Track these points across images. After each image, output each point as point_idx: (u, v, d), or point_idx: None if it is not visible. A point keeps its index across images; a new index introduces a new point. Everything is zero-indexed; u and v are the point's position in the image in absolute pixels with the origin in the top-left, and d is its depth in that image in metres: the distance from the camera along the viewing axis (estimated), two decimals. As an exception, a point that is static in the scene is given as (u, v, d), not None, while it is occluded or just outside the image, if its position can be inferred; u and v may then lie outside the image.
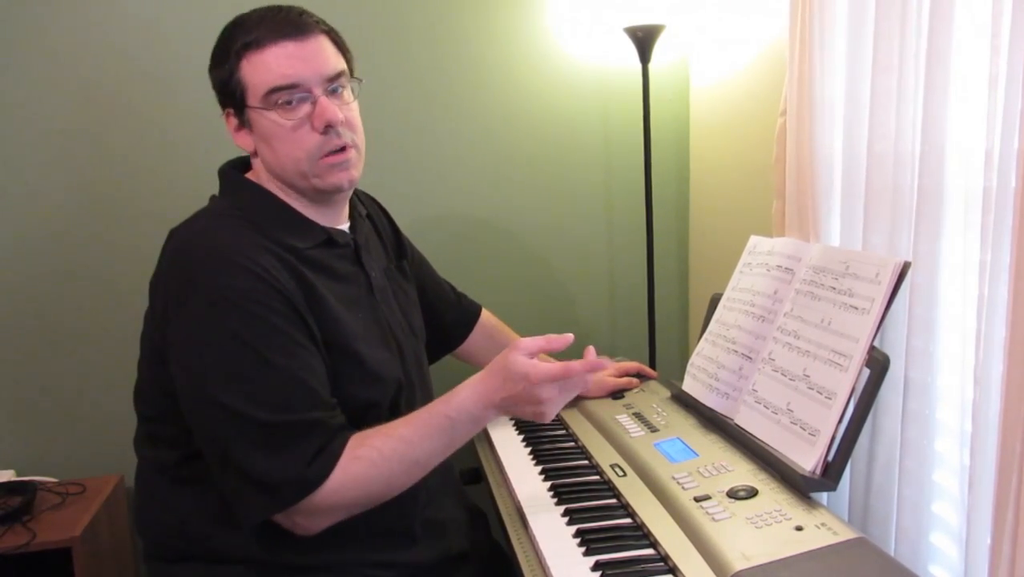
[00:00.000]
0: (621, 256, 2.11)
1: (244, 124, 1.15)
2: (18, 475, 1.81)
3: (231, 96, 1.14)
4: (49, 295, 1.83)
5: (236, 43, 1.11)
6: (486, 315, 1.63)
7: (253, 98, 1.11)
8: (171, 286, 1.09)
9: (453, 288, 1.60)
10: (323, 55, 1.12)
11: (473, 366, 1.63)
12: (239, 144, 1.19)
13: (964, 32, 1.04)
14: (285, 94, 1.09)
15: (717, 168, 1.94)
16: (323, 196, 1.18)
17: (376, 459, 1.06)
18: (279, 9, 1.12)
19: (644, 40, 1.82)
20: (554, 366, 1.07)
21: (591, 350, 1.14)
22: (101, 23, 1.77)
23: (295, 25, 1.10)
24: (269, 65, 1.09)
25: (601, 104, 2.02)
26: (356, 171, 1.17)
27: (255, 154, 1.18)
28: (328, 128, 1.11)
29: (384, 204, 1.49)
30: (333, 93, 1.13)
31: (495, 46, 1.95)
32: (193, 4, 1.80)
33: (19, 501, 1.66)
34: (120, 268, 1.84)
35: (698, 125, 2.03)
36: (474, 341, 1.60)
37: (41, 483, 1.76)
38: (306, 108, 1.11)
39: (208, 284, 1.05)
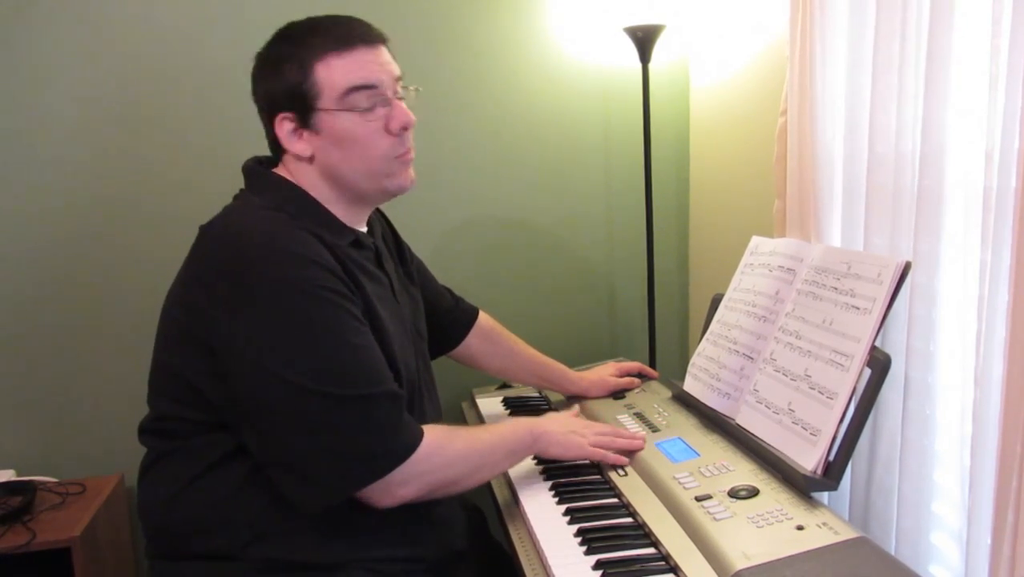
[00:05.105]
0: (621, 256, 2.11)
1: (308, 128, 1.15)
2: (18, 475, 1.81)
3: (298, 99, 1.14)
4: (49, 295, 1.82)
5: (310, 47, 1.14)
6: (483, 317, 1.63)
7: (328, 100, 1.13)
8: (220, 284, 1.07)
9: (451, 292, 1.60)
10: (390, 60, 1.20)
11: (470, 368, 1.64)
12: (293, 149, 1.16)
13: (964, 32, 1.04)
14: (365, 96, 1.14)
15: (717, 168, 1.94)
16: (380, 198, 1.23)
17: (463, 449, 1.17)
18: (348, 19, 1.18)
19: (644, 40, 1.82)
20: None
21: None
22: (110, 23, 1.76)
23: (367, 33, 1.17)
24: (349, 67, 1.14)
25: (601, 104, 2.02)
26: (413, 174, 1.23)
27: (311, 160, 1.17)
28: (403, 130, 1.17)
29: (383, 203, 1.48)
30: (399, 98, 1.19)
31: (495, 46, 1.95)
32: (195, 4, 1.80)
33: (19, 501, 1.65)
34: (121, 267, 1.84)
35: (698, 125, 2.03)
36: (471, 343, 1.60)
37: (41, 483, 1.76)
38: (381, 112, 1.16)
39: (270, 277, 1.06)
